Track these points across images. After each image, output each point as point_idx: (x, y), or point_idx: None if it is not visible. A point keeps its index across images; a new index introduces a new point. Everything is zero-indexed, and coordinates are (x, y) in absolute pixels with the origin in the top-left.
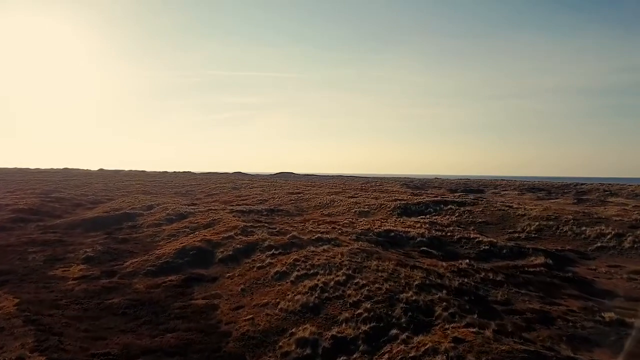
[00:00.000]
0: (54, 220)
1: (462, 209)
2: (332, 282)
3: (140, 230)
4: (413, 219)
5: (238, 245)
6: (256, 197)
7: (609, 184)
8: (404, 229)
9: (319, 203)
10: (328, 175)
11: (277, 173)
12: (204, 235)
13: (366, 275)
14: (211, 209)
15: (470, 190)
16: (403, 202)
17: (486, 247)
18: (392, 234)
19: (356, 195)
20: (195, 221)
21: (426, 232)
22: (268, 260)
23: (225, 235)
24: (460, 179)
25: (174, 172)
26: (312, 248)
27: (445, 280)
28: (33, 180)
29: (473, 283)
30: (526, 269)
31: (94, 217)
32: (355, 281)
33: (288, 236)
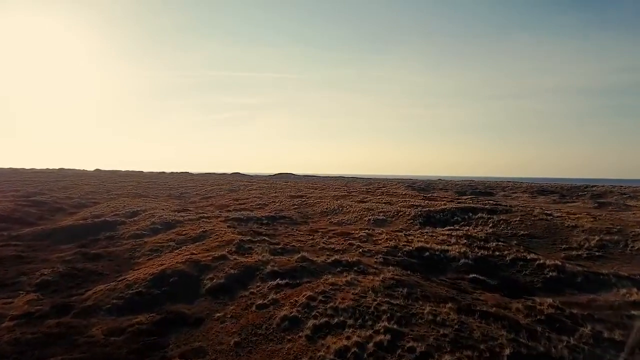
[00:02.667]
0: (23, 229)
1: (495, 218)
2: (371, 345)
3: (119, 242)
4: (440, 230)
5: (232, 270)
6: (255, 200)
7: (621, 186)
8: (439, 247)
9: (326, 209)
10: (328, 176)
11: (276, 174)
12: (191, 253)
13: (421, 331)
14: (203, 217)
15: (479, 192)
16: (424, 209)
17: (553, 273)
18: (427, 253)
19: (365, 200)
20: (184, 232)
21: (468, 251)
22: (272, 295)
23: (216, 254)
24: (465, 181)
25: (171, 172)
26: (330, 277)
27: (544, 343)
28: (20, 181)
29: (586, 346)
30: (632, 312)
31: (68, 226)
32: (409, 345)
33: (296, 257)
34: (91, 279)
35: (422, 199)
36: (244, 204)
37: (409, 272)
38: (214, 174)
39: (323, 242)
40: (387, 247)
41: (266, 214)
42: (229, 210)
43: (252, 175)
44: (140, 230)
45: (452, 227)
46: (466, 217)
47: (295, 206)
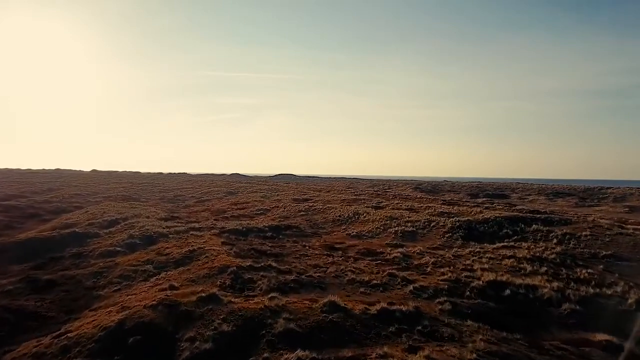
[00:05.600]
0: None
1: (557, 231)
2: None
3: (85, 262)
4: (490, 246)
5: (224, 325)
6: (256, 205)
7: (638, 188)
8: (521, 281)
9: (339, 216)
10: (330, 177)
11: (276, 174)
12: (170, 286)
13: None
14: (194, 228)
15: (492, 195)
16: (461, 218)
17: None
18: (507, 291)
19: (381, 205)
20: (166, 250)
21: (566, 288)
22: None
23: (204, 291)
24: (471, 182)
25: (169, 173)
26: (387, 351)
27: None
28: (7, 182)
29: None
30: None
31: (27, 239)
32: None
33: (321, 303)
34: (23, 327)
35: (447, 205)
36: (243, 208)
37: (504, 332)
38: (212, 174)
39: (350, 270)
40: (445, 280)
41: (269, 223)
42: (226, 218)
43: (252, 176)
44: (114, 245)
45: (504, 243)
46: (517, 229)
47: (302, 212)
